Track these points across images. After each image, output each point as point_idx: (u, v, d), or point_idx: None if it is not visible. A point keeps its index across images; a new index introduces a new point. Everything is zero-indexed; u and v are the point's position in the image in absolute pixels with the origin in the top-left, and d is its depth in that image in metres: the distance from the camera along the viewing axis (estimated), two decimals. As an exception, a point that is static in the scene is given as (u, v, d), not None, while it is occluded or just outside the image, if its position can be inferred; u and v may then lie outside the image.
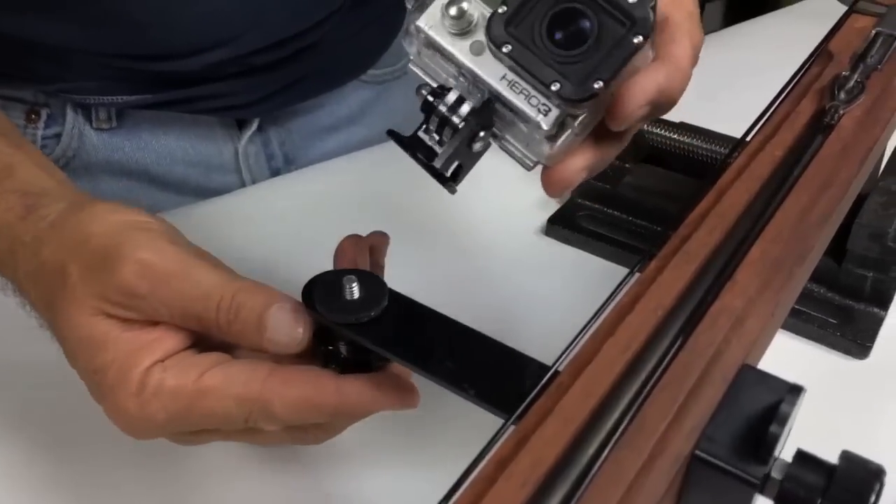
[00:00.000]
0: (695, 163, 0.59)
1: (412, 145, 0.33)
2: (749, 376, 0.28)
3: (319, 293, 0.36)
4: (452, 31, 0.32)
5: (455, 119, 0.32)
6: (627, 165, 0.60)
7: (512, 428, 0.28)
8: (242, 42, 0.60)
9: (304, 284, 0.36)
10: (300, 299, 0.36)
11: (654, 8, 0.31)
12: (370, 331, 0.35)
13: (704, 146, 0.58)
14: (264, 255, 0.45)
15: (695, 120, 0.61)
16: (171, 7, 0.58)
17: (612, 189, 0.60)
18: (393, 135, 0.34)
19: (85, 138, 0.65)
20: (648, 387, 0.26)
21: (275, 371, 0.35)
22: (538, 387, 0.28)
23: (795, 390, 0.26)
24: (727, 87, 0.79)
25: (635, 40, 0.31)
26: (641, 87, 0.33)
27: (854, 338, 0.51)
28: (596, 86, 0.31)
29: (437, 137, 0.33)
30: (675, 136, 0.59)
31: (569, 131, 0.33)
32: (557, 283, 0.57)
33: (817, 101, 0.39)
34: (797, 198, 0.34)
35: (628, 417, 0.25)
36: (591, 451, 0.25)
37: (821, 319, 0.52)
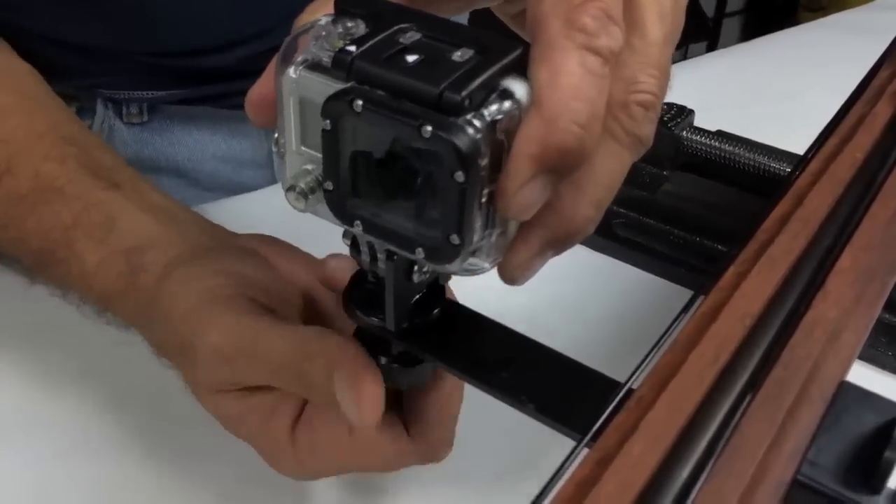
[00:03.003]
0: (735, 172, 0.57)
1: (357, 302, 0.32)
2: (850, 394, 0.25)
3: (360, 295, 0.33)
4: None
5: (380, 259, 0.29)
6: (665, 173, 0.58)
7: (585, 447, 0.25)
8: (277, 34, 0.58)
9: (345, 287, 0.33)
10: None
11: (487, 126, 0.24)
12: (418, 336, 0.32)
13: (747, 155, 0.56)
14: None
15: (728, 129, 0.58)
16: (201, 4, 0.56)
17: (649, 196, 0.57)
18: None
19: (115, 133, 0.63)
20: (745, 403, 0.24)
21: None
22: (614, 402, 0.25)
23: (911, 411, 0.23)
24: (759, 97, 0.77)
25: (458, 179, 0.24)
26: (511, 166, 0.24)
27: (907, 358, 0.49)
28: (454, 242, 0.25)
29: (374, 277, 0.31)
30: (716, 143, 0.57)
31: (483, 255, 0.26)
32: (590, 292, 0.55)
33: (894, 104, 0.37)
34: (885, 203, 0.31)
35: (725, 437, 0.23)
36: (684, 474, 0.22)
37: (871, 338, 0.50)
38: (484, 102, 0.24)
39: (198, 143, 0.65)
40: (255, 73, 0.28)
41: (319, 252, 0.41)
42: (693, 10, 1.94)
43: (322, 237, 0.34)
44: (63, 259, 0.41)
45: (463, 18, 0.70)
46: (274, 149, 0.29)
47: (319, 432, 0.34)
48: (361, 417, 0.31)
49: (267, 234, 0.43)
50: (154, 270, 0.39)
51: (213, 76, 0.62)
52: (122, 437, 0.44)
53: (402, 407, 0.36)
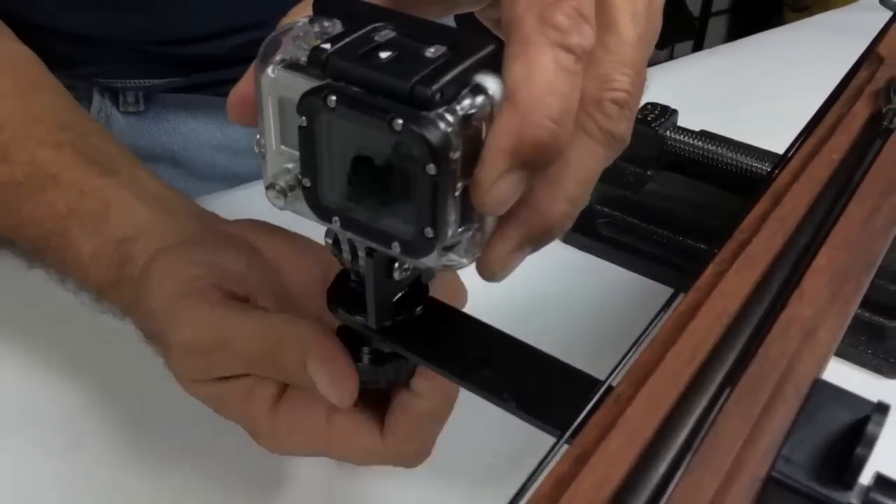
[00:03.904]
0: (718, 172, 0.57)
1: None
2: (824, 392, 0.25)
3: (345, 293, 0.33)
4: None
5: (361, 257, 0.30)
6: (649, 172, 0.58)
7: (565, 444, 0.26)
8: (272, 23, 0.59)
9: (330, 285, 0.33)
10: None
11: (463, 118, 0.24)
12: (400, 335, 0.32)
13: (729, 155, 0.56)
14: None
15: (712, 129, 0.59)
16: None
17: (633, 196, 0.57)
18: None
19: (111, 122, 0.63)
20: (721, 400, 0.24)
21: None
22: (594, 400, 0.26)
23: (882, 409, 0.24)
24: (744, 96, 0.77)
25: (430, 172, 0.24)
26: (485, 160, 0.24)
27: (886, 356, 0.49)
28: (429, 235, 0.25)
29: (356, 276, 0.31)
30: (699, 143, 0.57)
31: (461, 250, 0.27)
32: (574, 291, 0.55)
33: (871, 104, 0.37)
34: (861, 203, 0.31)
35: (702, 433, 0.23)
36: (661, 470, 0.23)
37: (849, 336, 0.50)
38: (456, 97, 0.24)
39: (193, 132, 0.66)
40: (251, 60, 0.29)
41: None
42: (679, 10, 1.95)
43: (316, 228, 0.34)
44: (58, 248, 0.42)
45: (448, 22, 0.70)
46: (256, 149, 0.29)
47: (299, 415, 0.35)
48: (339, 395, 0.32)
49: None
50: (139, 262, 0.39)
51: (209, 64, 0.62)
52: (109, 434, 0.45)
53: (384, 410, 0.36)
